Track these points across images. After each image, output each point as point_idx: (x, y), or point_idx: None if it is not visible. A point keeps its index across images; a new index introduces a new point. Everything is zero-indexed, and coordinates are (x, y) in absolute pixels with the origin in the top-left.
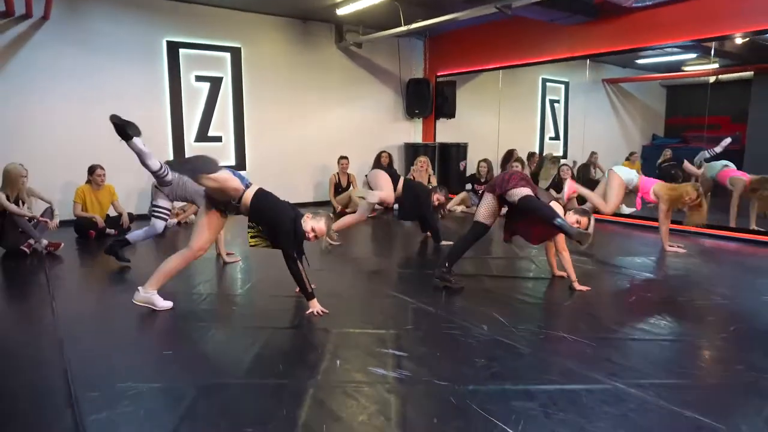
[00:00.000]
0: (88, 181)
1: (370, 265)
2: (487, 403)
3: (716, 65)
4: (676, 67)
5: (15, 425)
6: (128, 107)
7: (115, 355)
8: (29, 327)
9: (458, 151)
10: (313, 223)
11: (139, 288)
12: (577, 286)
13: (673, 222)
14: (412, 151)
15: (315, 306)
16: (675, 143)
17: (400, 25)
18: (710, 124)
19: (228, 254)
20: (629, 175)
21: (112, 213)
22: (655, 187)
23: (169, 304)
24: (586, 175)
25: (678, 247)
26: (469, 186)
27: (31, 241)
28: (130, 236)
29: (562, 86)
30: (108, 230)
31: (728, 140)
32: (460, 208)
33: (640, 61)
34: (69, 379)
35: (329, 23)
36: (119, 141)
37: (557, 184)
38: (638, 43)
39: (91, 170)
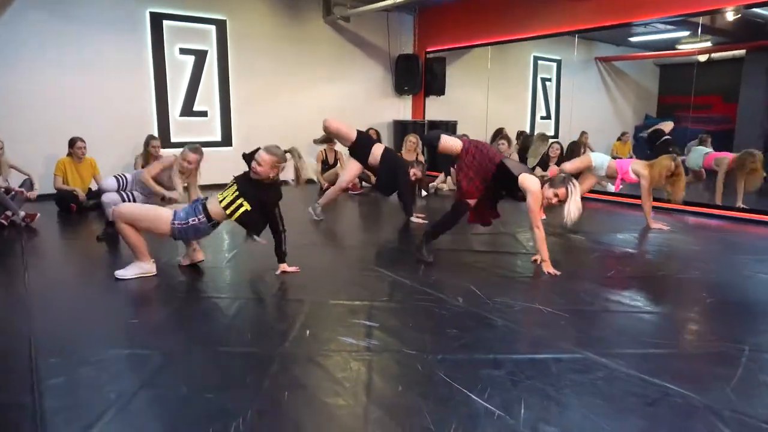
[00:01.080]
0: (69, 154)
1: (352, 241)
2: (455, 371)
3: (708, 43)
4: (670, 45)
5: None
6: (110, 79)
7: (83, 324)
8: None
9: (447, 128)
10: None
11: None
12: (547, 268)
13: (657, 200)
14: (401, 129)
15: (285, 267)
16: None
17: None
18: (701, 104)
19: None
20: (599, 159)
21: (94, 187)
22: (633, 165)
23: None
24: (575, 154)
25: (662, 224)
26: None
27: (9, 213)
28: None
29: (554, 64)
30: (89, 202)
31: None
32: (446, 186)
33: (633, 39)
34: (31, 345)
35: None
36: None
37: (545, 162)
38: (630, 17)
39: (72, 143)
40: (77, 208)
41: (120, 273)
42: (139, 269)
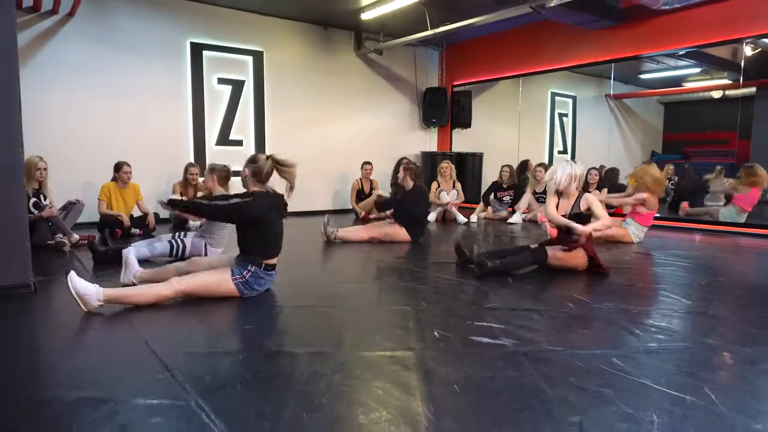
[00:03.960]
0: (114, 179)
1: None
2: None
3: (716, 81)
4: (677, 82)
5: None
6: (151, 106)
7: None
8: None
9: (474, 160)
10: None
11: None
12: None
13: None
14: (429, 160)
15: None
16: (676, 159)
17: (421, 31)
18: (717, 140)
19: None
20: None
21: (136, 213)
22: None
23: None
24: (611, 180)
25: None
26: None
27: (59, 236)
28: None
29: (570, 100)
30: (133, 230)
31: None
32: (483, 215)
33: (642, 77)
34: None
35: (349, 30)
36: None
37: (585, 189)
38: (661, 47)
39: (118, 167)
40: (121, 233)
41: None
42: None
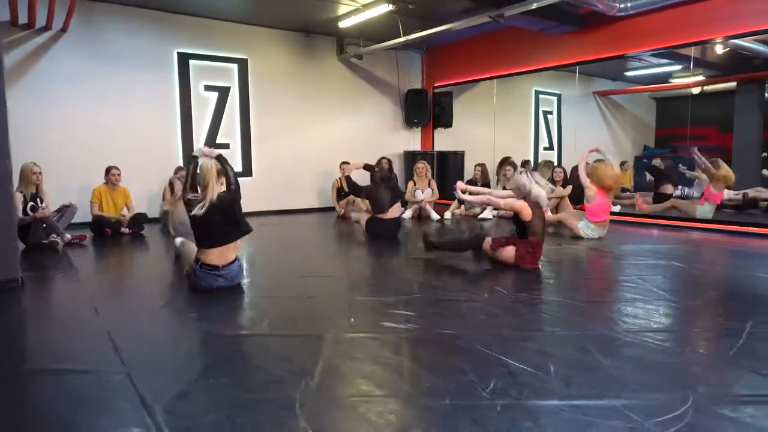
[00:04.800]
0: (105, 182)
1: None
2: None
3: (700, 77)
4: (664, 79)
5: None
6: (141, 114)
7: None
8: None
9: (456, 158)
10: None
11: None
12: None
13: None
14: (411, 159)
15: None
16: (666, 153)
17: (396, 38)
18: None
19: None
20: None
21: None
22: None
23: None
24: (576, 179)
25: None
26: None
27: (53, 236)
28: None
29: (555, 98)
30: (123, 229)
31: None
32: (458, 212)
33: (628, 74)
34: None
35: (331, 36)
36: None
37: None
38: (623, 50)
39: (107, 170)
40: (111, 233)
41: None
42: None
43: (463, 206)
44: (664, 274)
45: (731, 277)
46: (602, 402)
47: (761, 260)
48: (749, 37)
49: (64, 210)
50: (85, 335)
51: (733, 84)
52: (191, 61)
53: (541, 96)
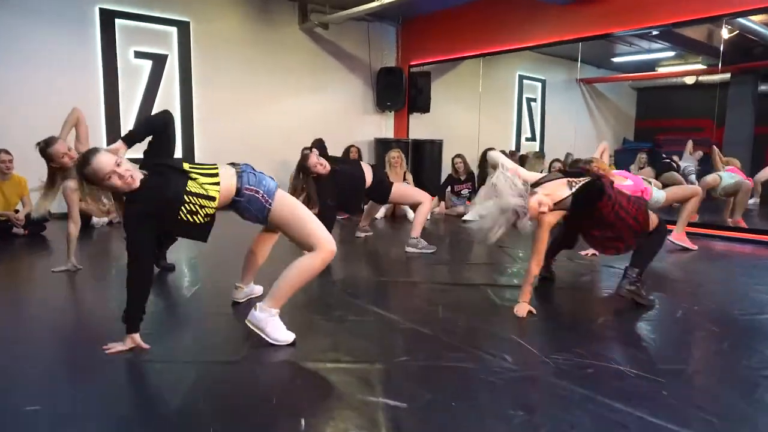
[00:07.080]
0: None
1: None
2: None
3: (690, 66)
4: (650, 67)
5: None
6: (54, 78)
7: None
8: None
9: (433, 148)
10: None
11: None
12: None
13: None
14: (383, 148)
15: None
16: (647, 147)
17: (369, 2)
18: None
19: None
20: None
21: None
22: None
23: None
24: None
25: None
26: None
27: None
28: None
29: (539, 84)
30: (16, 229)
31: None
32: (437, 210)
33: (615, 60)
34: None
35: (292, 1)
36: None
37: None
38: (629, 25)
39: None
40: (1, 234)
41: None
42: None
43: (443, 203)
44: None
45: None
46: None
47: None
48: (759, 15)
49: None
50: None
51: (726, 76)
52: (118, 21)
53: (525, 81)
